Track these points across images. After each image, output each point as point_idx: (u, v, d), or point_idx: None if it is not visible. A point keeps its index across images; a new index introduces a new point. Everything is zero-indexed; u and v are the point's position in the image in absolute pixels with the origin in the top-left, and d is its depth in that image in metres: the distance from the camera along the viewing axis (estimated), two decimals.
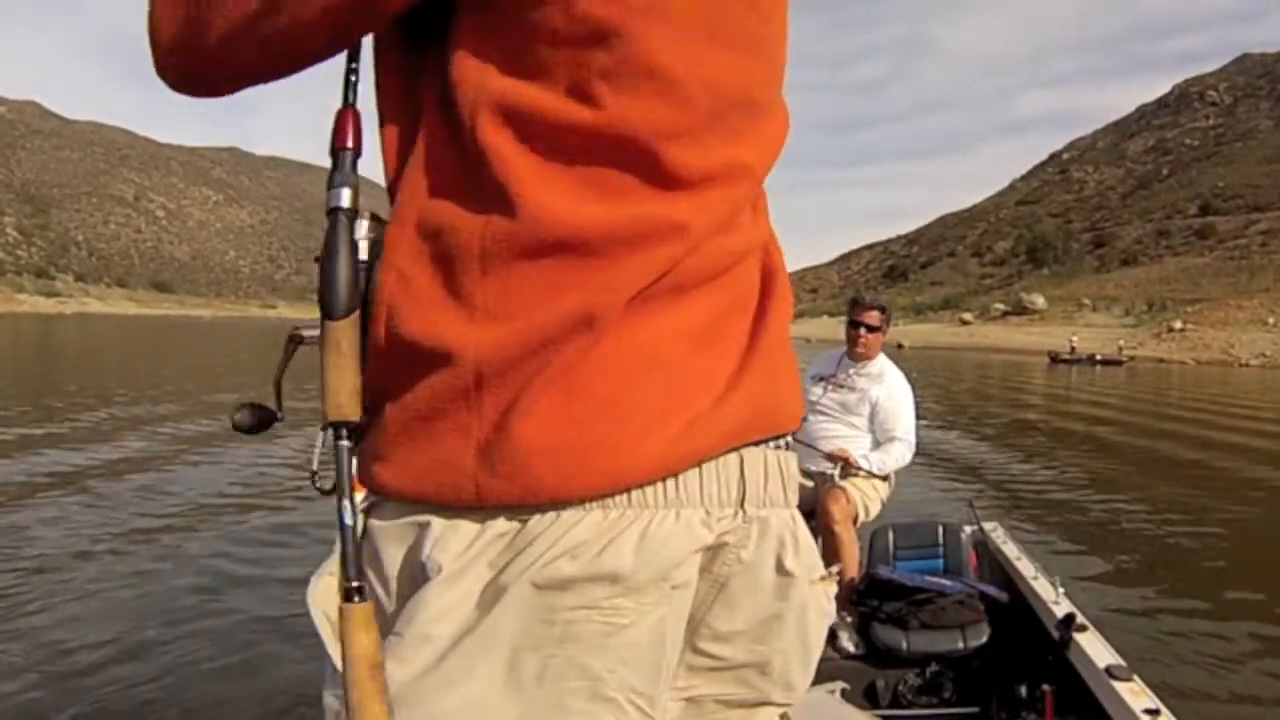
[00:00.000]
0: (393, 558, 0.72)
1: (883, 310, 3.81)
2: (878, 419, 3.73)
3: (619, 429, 0.69)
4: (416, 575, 0.70)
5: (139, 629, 4.06)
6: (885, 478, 3.69)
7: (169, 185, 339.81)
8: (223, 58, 0.72)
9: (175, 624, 4.14)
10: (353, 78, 0.76)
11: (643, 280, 0.70)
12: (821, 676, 2.97)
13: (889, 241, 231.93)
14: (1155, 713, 2.29)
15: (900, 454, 3.67)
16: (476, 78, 0.69)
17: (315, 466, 0.77)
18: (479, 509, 0.69)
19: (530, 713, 0.67)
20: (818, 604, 0.85)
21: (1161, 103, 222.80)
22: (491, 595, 0.67)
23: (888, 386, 3.73)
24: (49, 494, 6.88)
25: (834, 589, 0.88)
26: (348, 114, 0.75)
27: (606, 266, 0.68)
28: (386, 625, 0.70)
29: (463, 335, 0.68)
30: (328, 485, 0.74)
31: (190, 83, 0.76)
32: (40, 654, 3.74)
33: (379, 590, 0.73)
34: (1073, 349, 55.14)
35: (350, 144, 0.74)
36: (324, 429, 0.74)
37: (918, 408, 3.81)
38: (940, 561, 3.62)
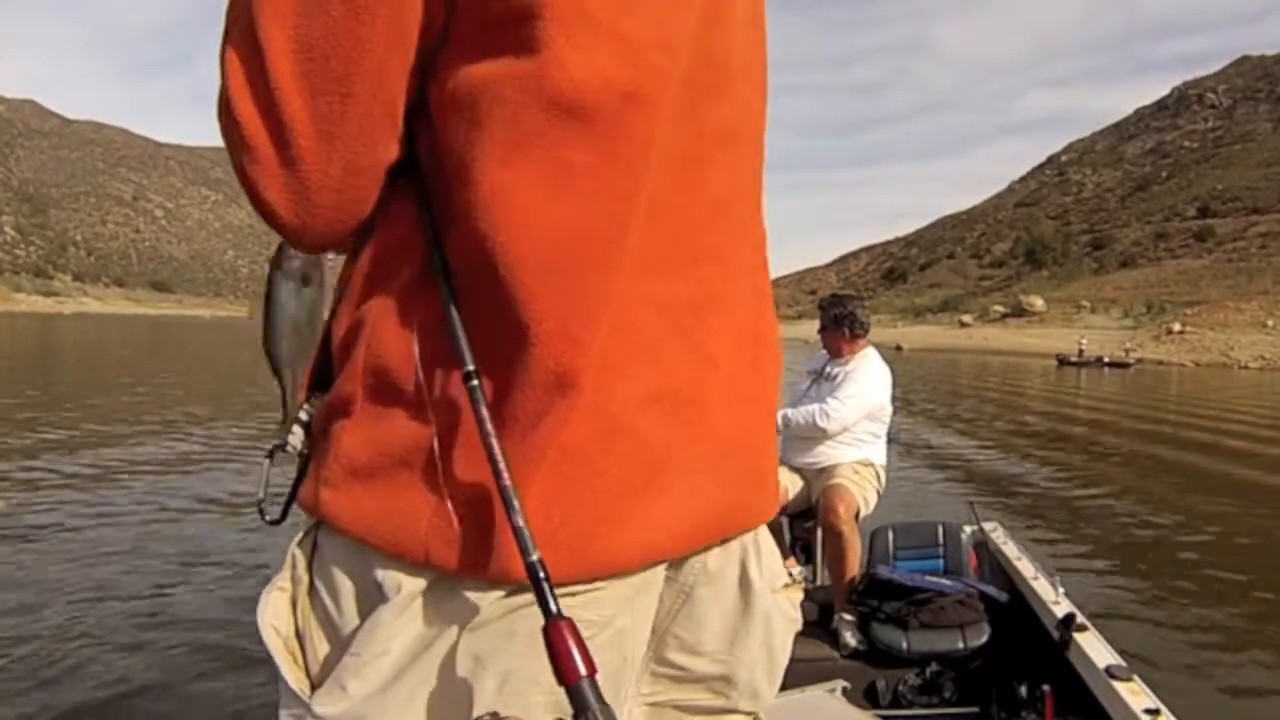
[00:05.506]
0: (344, 576, 0.69)
1: (824, 309, 3.88)
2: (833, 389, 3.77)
3: (596, 524, 0.66)
4: (371, 594, 0.67)
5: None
6: (872, 467, 3.67)
7: (168, 185, 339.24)
8: (322, 218, 0.65)
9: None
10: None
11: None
12: (821, 676, 2.97)
13: (888, 243, 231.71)
14: (1155, 713, 2.29)
15: (810, 412, 3.63)
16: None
17: (262, 495, 0.73)
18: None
19: None
20: (782, 612, 0.84)
21: (1160, 105, 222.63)
22: (450, 611, 0.65)
23: (854, 367, 3.78)
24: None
25: (799, 596, 0.87)
26: (561, 626, 0.60)
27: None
28: (341, 643, 0.68)
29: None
30: (276, 514, 0.74)
31: (326, 243, 0.70)
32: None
33: (331, 607, 0.70)
34: (1080, 351, 55.15)
35: (584, 671, 0.59)
36: (269, 455, 0.72)
37: (906, 408, 3.79)
38: (940, 561, 3.62)
